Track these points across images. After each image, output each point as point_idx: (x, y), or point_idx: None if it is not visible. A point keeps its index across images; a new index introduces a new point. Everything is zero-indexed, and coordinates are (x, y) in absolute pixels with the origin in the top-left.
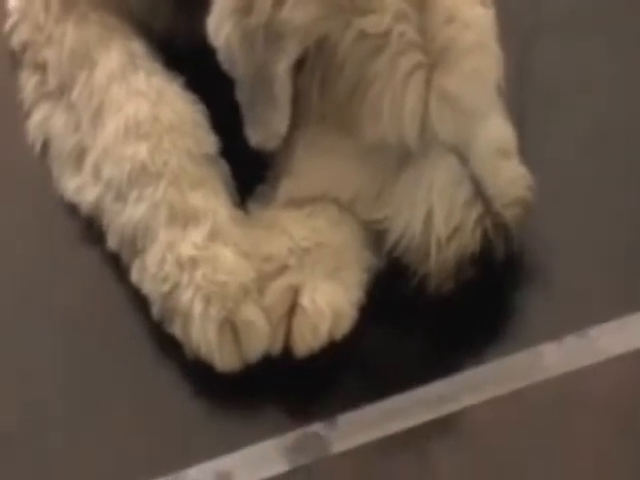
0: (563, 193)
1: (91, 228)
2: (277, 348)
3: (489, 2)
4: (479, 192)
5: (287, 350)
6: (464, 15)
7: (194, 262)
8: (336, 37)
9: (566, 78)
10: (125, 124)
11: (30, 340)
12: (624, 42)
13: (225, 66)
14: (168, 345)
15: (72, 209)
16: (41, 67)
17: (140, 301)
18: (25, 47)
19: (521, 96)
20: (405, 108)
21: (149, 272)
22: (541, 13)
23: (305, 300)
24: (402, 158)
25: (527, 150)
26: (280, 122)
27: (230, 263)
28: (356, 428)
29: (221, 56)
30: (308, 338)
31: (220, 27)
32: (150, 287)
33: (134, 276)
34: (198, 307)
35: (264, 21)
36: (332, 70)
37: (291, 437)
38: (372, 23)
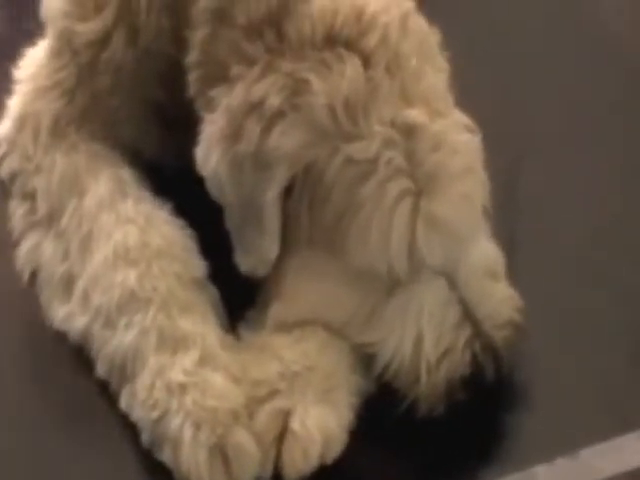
0: (553, 315)
1: (80, 355)
2: (268, 473)
3: (475, 128)
4: (468, 315)
5: (278, 475)
6: (451, 141)
7: (183, 388)
8: (324, 163)
9: (553, 201)
10: (114, 251)
11: (18, 467)
12: (610, 162)
13: (213, 194)
14: (158, 472)
15: (61, 336)
16: (30, 196)
17: (129, 427)
18: (14, 176)
19: (509, 220)
20: (393, 234)
21: (139, 399)
22: (526, 137)
23: (296, 424)
24: (391, 282)
25: (516, 273)
26: (270, 249)
27: (220, 388)
28: None
29: (209, 184)
30: (299, 462)
31: (208, 155)
32: (140, 413)
33: (123, 403)
34: (188, 433)
35: (253, 149)
36: (320, 196)
37: None
38: (359, 149)
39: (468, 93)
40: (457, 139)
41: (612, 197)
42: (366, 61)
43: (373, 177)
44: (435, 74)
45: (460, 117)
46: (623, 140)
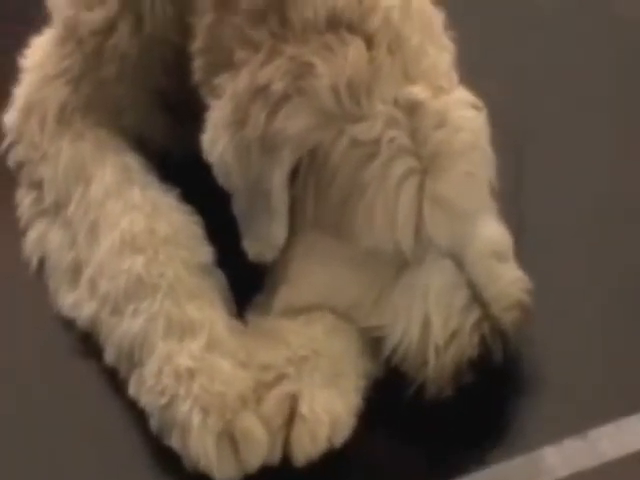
0: (560, 296)
1: (87, 342)
2: (276, 457)
3: (480, 105)
4: (476, 296)
5: (286, 459)
6: (455, 118)
7: (191, 373)
8: (329, 146)
9: (561, 182)
10: (121, 238)
11: (28, 453)
12: (621, 143)
13: (220, 181)
14: (167, 458)
15: (68, 324)
16: (37, 185)
17: (138, 414)
18: (21, 166)
19: (517, 201)
20: (398, 214)
21: (147, 385)
22: (535, 117)
23: (304, 408)
24: (398, 265)
25: (524, 254)
26: (278, 233)
27: (227, 373)
28: None
29: (216, 171)
30: (307, 446)
31: (215, 142)
32: (148, 400)
33: (132, 389)
34: (196, 418)
35: (259, 133)
36: (325, 178)
37: None
38: (363, 130)
39: (475, 73)
40: (461, 116)
41: (623, 178)
42: (369, 42)
43: (377, 158)
44: (438, 53)
45: (464, 94)
46: (634, 122)
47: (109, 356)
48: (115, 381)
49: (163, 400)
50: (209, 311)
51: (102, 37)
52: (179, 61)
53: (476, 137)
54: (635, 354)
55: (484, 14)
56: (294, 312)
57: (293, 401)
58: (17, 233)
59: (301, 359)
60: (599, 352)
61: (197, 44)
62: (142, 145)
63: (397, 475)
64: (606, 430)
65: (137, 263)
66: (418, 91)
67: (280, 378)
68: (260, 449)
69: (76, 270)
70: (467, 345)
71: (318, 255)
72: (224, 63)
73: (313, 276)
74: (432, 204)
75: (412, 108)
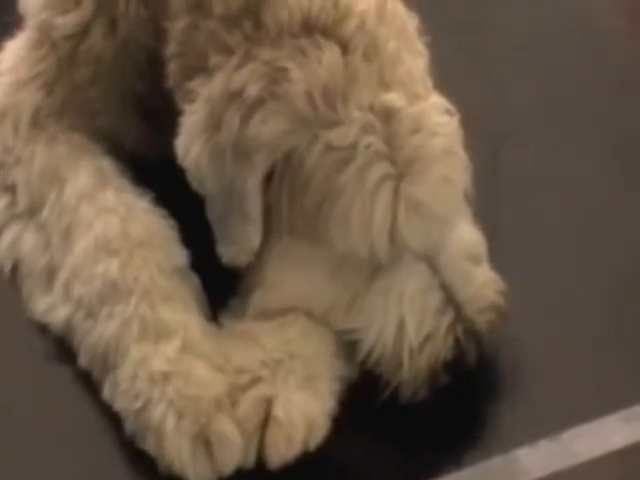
0: (534, 298)
1: (61, 347)
2: (251, 460)
3: (453, 110)
4: (450, 299)
5: (261, 462)
6: (430, 123)
7: (166, 377)
8: (303, 150)
9: (535, 184)
10: (95, 241)
11: (2, 456)
12: (592, 146)
13: (194, 185)
14: (141, 461)
15: (42, 328)
16: (10, 189)
17: (112, 418)
18: None
19: (491, 203)
20: (374, 219)
21: (121, 389)
22: (508, 121)
23: (278, 411)
24: (373, 268)
25: (499, 256)
26: (253, 237)
27: (202, 376)
28: None
29: (190, 176)
30: (282, 449)
31: (189, 147)
32: (122, 404)
33: (106, 393)
34: (171, 422)
35: (233, 138)
36: (300, 183)
37: None
38: (339, 136)
39: (448, 78)
40: (436, 121)
41: (594, 179)
42: (344, 47)
43: (353, 163)
44: (413, 58)
45: (439, 100)
46: (605, 123)
47: (83, 360)
48: (89, 385)
49: (137, 404)
50: (184, 314)
51: (76, 41)
52: (153, 65)
53: (451, 142)
54: (608, 356)
55: (455, 17)
56: (269, 315)
57: (268, 404)
58: None
59: (276, 362)
60: (573, 354)
61: (171, 48)
62: (116, 148)
63: (373, 478)
64: (580, 432)
65: (111, 266)
66: (394, 98)
67: (255, 381)
68: (235, 452)
69: (50, 274)
70: (441, 347)
71: (293, 259)
72: (198, 67)
73: (288, 280)
74: (407, 208)
75: (388, 115)
